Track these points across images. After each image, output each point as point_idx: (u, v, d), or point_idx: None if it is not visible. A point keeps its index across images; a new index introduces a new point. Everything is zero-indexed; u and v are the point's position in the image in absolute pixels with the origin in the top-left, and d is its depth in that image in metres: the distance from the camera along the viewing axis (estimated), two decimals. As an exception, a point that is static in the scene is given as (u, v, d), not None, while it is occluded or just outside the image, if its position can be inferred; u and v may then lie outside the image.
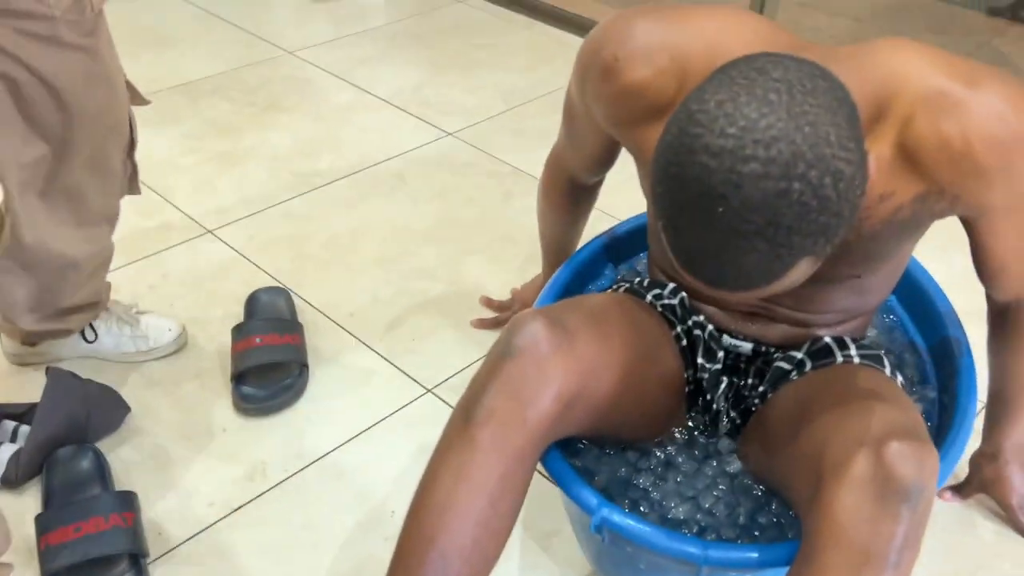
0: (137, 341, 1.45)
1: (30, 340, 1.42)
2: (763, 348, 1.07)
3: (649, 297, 1.10)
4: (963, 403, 1.05)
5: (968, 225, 0.93)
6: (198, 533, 1.22)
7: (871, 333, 1.22)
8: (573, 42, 2.50)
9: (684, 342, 1.08)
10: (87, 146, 1.20)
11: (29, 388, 1.39)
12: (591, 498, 0.93)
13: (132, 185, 1.34)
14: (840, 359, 1.00)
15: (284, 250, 1.73)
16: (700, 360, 1.07)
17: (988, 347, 1.11)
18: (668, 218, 0.74)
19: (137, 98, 1.28)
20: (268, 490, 1.28)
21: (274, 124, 2.14)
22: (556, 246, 1.37)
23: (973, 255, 0.97)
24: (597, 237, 1.33)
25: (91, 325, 1.43)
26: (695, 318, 1.08)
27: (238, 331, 1.45)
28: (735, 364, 1.09)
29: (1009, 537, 1.23)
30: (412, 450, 1.34)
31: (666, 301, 1.09)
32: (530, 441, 0.90)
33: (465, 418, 0.90)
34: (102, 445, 1.32)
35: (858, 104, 0.80)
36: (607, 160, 1.15)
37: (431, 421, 1.35)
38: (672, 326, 1.08)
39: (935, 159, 0.83)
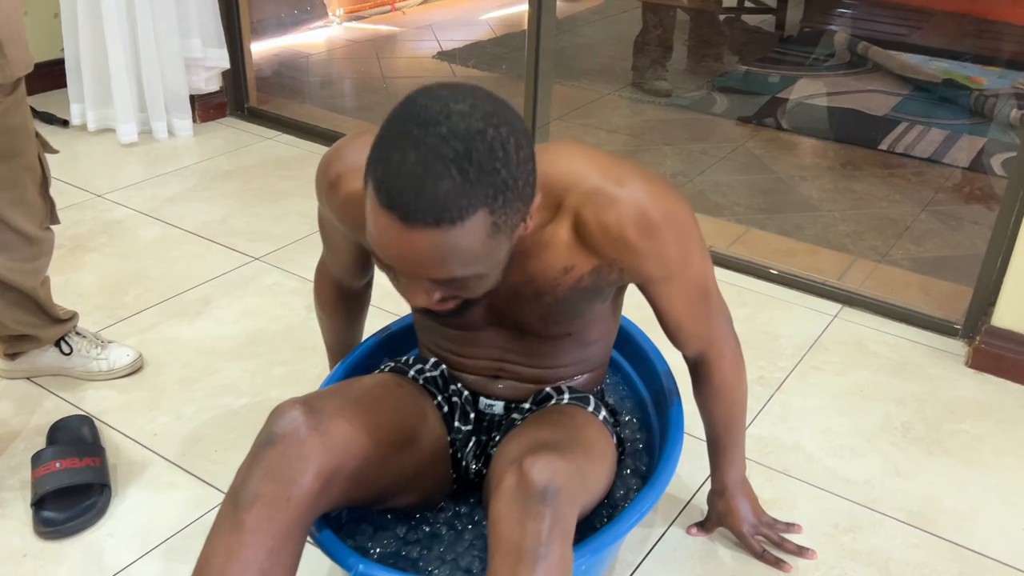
0: None
1: (10, 353, 1.75)
2: (513, 406, 1.25)
3: (412, 372, 1.27)
4: (670, 445, 1.25)
5: (644, 293, 1.16)
6: (-6, 656, 1.25)
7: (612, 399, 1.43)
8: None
9: (445, 409, 1.25)
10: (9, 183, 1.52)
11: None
12: (348, 556, 1.06)
13: (52, 216, 1.66)
14: (554, 401, 1.20)
15: (87, 379, 1.80)
16: (456, 424, 1.24)
17: (694, 399, 1.32)
18: (380, 154, 0.87)
19: (47, 147, 1.61)
20: (68, 607, 1.33)
21: (81, 264, 2.22)
22: (337, 347, 1.52)
23: (657, 319, 1.19)
24: (373, 335, 1.49)
25: (65, 340, 1.77)
26: (453, 387, 1.26)
27: (37, 458, 1.51)
28: (490, 424, 1.27)
29: (744, 559, 1.43)
30: (213, 552, 1.42)
31: (428, 374, 1.26)
32: (295, 518, 1.02)
33: (233, 504, 1.02)
34: None
35: (545, 192, 1.02)
36: (362, 263, 1.33)
37: (230, 523, 1.44)
38: (434, 396, 1.25)
39: (599, 241, 1.05)
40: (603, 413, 1.23)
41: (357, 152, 1.11)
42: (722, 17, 4.47)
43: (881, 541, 1.48)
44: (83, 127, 2.95)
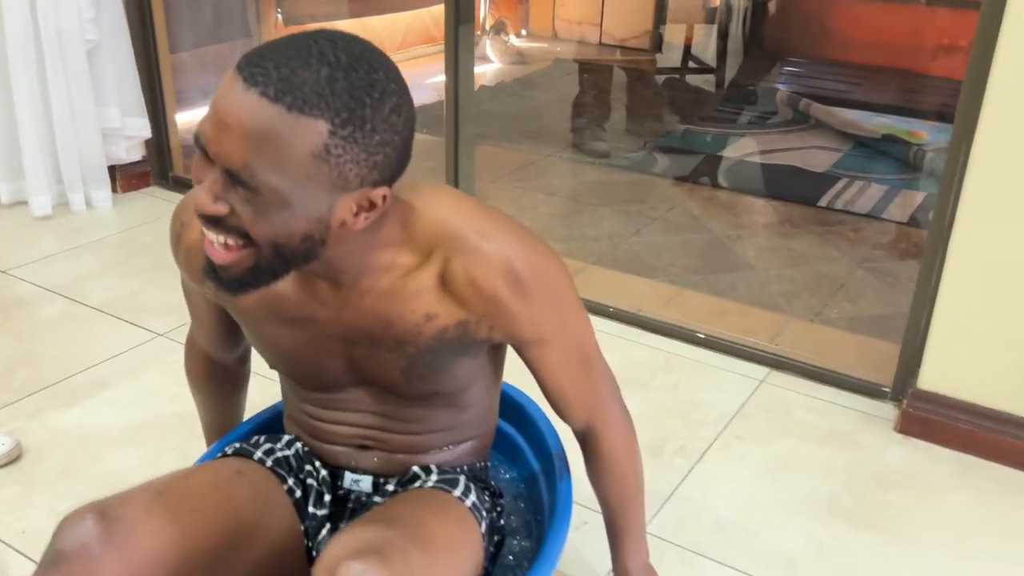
0: None
1: None
2: (383, 481, 1.14)
3: (259, 454, 1.14)
4: (555, 529, 1.15)
5: (521, 356, 1.07)
6: None
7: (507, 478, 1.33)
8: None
9: (299, 494, 1.13)
10: None
11: None
12: None
13: None
14: (418, 484, 1.09)
15: (-40, 473, 1.67)
16: (311, 509, 1.12)
17: (587, 477, 1.22)
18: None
19: None
20: None
21: (-27, 345, 2.11)
22: (213, 427, 1.39)
23: (539, 387, 1.10)
24: (258, 414, 1.37)
25: None
26: (309, 466, 1.14)
27: None
28: (355, 506, 1.15)
29: (650, 656, 1.32)
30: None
31: (279, 455, 1.15)
32: None
33: None
34: None
35: (413, 236, 0.97)
36: (229, 332, 1.21)
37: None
38: (284, 480, 1.13)
39: (467, 295, 0.98)
40: (472, 498, 1.11)
41: None
42: (662, 78, 4.48)
43: (799, 629, 1.38)
44: (-4, 201, 2.86)
